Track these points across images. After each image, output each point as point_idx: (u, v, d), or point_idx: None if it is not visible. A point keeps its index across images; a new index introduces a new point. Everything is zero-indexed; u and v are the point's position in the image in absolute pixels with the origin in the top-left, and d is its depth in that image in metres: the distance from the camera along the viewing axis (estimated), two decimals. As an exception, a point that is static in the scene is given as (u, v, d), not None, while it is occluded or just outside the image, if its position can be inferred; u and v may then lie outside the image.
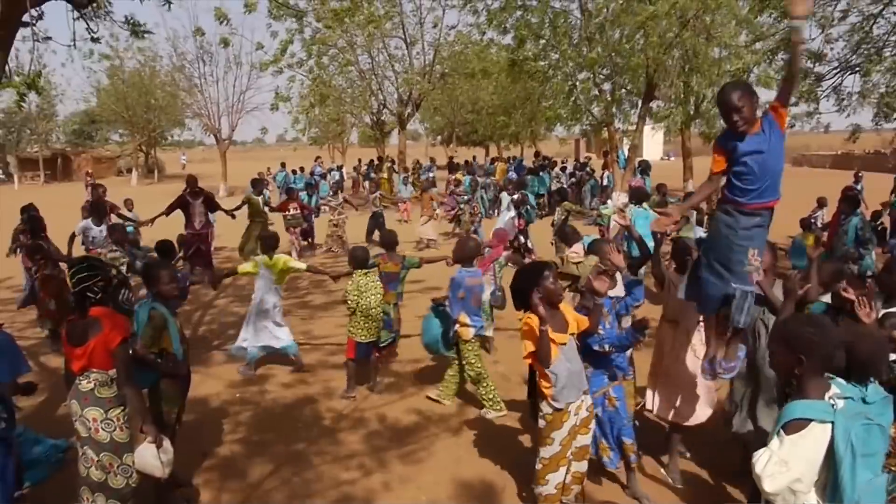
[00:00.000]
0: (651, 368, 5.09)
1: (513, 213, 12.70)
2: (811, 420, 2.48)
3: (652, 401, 4.95)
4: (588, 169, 24.29)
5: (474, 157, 34.71)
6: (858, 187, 16.80)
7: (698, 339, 4.60)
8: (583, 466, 4.21)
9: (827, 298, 4.12)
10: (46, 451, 5.09)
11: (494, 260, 7.87)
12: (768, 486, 2.50)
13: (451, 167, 21.48)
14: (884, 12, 10.68)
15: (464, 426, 5.84)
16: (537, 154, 28.95)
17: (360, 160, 31.89)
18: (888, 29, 10.93)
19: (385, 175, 24.77)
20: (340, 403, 6.36)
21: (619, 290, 4.78)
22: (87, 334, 3.71)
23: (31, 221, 8.28)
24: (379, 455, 5.31)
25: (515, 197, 12.88)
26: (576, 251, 5.84)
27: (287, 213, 13.80)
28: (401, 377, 7.06)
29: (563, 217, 10.73)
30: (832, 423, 2.46)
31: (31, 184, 42.90)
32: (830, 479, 2.47)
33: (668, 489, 4.68)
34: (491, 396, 5.99)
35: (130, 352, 3.93)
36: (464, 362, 6.06)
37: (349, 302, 6.37)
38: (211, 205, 11.28)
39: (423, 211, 15.80)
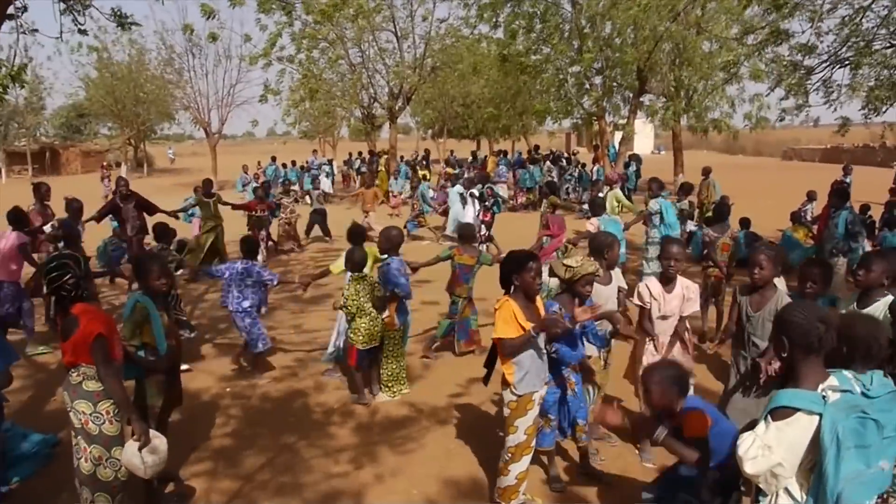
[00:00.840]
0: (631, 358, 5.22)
1: (476, 206, 12.97)
2: (798, 409, 2.50)
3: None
4: (564, 163, 24.43)
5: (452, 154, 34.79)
6: (847, 180, 16.98)
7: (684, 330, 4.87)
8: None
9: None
10: (34, 447, 5.07)
11: (557, 248, 8.41)
12: (749, 468, 2.54)
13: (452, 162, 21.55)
14: (873, 6, 10.71)
15: (454, 419, 5.85)
16: (536, 147, 29.01)
17: (350, 154, 31.77)
18: (877, 22, 10.96)
19: (383, 168, 24.63)
20: (332, 397, 6.35)
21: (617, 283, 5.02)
22: (70, 330, 3.73)
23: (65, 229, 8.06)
24: (370, 448, 5.31)
25: (475, 191, 13.25)
26: (592, 224, 6.93)
27: (254, 212, 12.94)
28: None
29: (549, 210, 10.85)
30: (820, 414, 2.47)
31: (18, 177, 42.52)
32: (817, 468, 2.49)
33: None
34: (390, 385, 6.32)
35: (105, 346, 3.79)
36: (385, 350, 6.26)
37: (348, 307, 6.06)
38: (147, 208, 10.42)
39: (365, 206, 15.51)
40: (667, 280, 4.86)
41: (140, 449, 3.71)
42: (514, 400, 4.04)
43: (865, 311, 4.03)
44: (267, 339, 6.93)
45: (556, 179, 21.64)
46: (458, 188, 13.84)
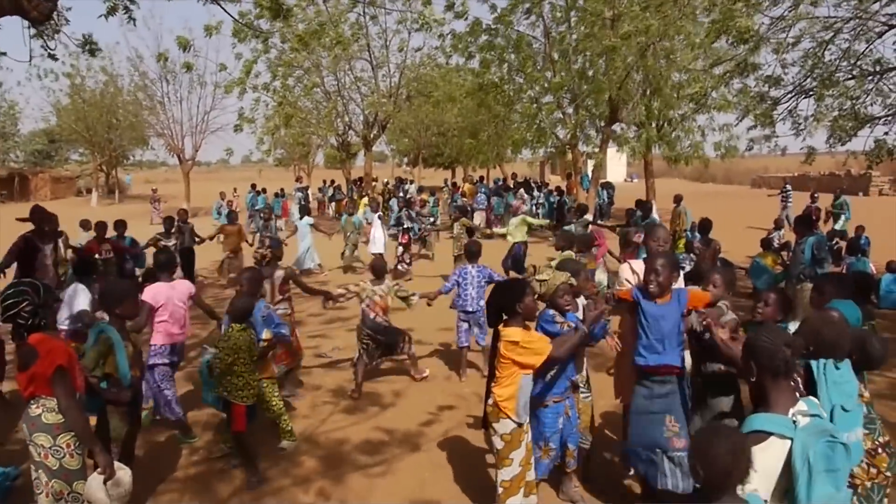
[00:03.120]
0: (616, 372, 5.23)
1: (389, 231, 14.03)
2: (770, 434, 2.51)
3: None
4: (535, 191, 24.90)
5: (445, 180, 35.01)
6: (816, 206, 17.53)
7: None
8: (531, 478, 4.21)
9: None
10: (-6, 480, 4.89)
11: (604, 254, 10.23)
12: None
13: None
14: (834, 39, 11.04)
15: (426, 446, 5.77)
16: (514, 175, 29.30)
17: (324, 181, 31.74)
18: (839, 55, 11.30)
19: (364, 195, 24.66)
20: (299, 425, 6.21)
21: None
22: (28, 361, 3.58)
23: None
24: (340, 476, 5.21)
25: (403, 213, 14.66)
26: None
27: (99, 255, 10.19)
28: (361, 398, 6.94)
29: (461, 232, 12.11)
30: (791, 439, 2.49)
31: (-15, 205, 41.79)
32: (789, 492, 2.49)
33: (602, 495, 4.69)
34: (289, 429, 5.74)
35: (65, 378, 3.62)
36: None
37: (222, 360, 4.99)
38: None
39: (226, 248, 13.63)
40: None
41: (105, 482, 3.60)
42: (509, 433, 3.99)
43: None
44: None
45: (529, 206, 22.01)
46: (371, 213, 15.22)
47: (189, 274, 12.02)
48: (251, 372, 5.08)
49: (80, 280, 6.32)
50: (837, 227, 16.41)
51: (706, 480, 2.32)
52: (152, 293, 5.74)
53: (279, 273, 6.73)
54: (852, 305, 4.17)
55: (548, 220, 19.15)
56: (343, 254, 14.83)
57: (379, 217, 14.04)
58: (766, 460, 2.50)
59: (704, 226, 9.92)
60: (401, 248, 14.10)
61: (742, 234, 17.03)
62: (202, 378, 5.31)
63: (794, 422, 2.56)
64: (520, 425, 3.99)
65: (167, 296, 5.79)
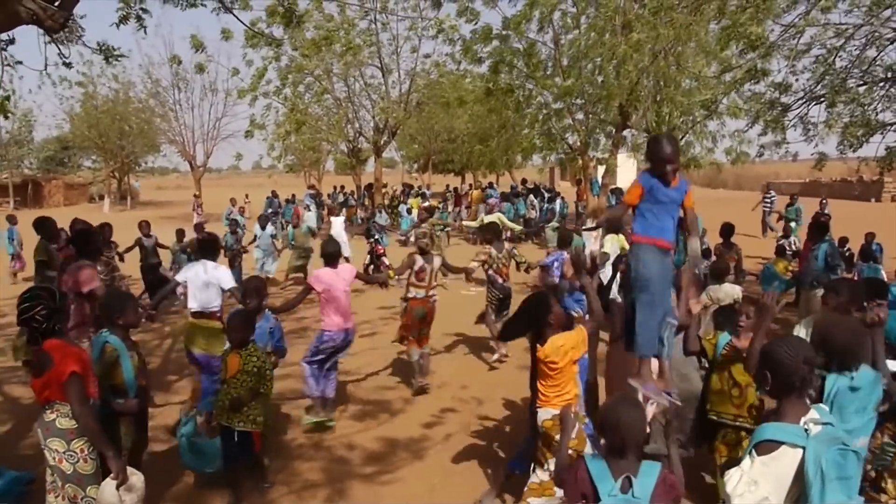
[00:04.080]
0: (607, 385, 5.20)
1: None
2: (782, 443, 2.51)
3: None
4: (545, 196, 24.84)
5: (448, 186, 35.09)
6: (826, 212, 17.38)
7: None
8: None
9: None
10: (8, 484, 4.94)
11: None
12: None
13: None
14: (846, 46, 11.01)
15: (433, 452, 5.77)
16: (524, 181, 29.31)
17: (334, 187, 31.86)
18: (850, 61, 11.27)
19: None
20: (302, 432, 6.24)
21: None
22: (43, 367, 3.62)
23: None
24: (348, 483, 5.22)
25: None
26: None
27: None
28: (367, 405, 6.96)
29: (428, 232, 12.31)
30: (803, 447, 2.48)
31: (0, 210, 42.18)
32: (802, 501, 2.49)
33: None
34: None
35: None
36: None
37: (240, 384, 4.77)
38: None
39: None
40: None
41: (118, 487, 3.62)
42: (549, 419, 4.05)
43: None
44: None
45: (538, 211, 22.08)
46: (340, 219, 16.03)
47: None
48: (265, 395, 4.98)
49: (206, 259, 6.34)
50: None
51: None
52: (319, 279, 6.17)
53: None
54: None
55: (521, 228, 19.31)
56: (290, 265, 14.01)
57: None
58: (778, 468, 2.50)
59: (726, 230, 10.21)
60: (368, 258, 13.97)
61: (752, 241, 16.95)
62: (183, 448, 5.10)
63: (807, 430, 2.55)
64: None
65: (331, 282, 6.14)
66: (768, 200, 21.32)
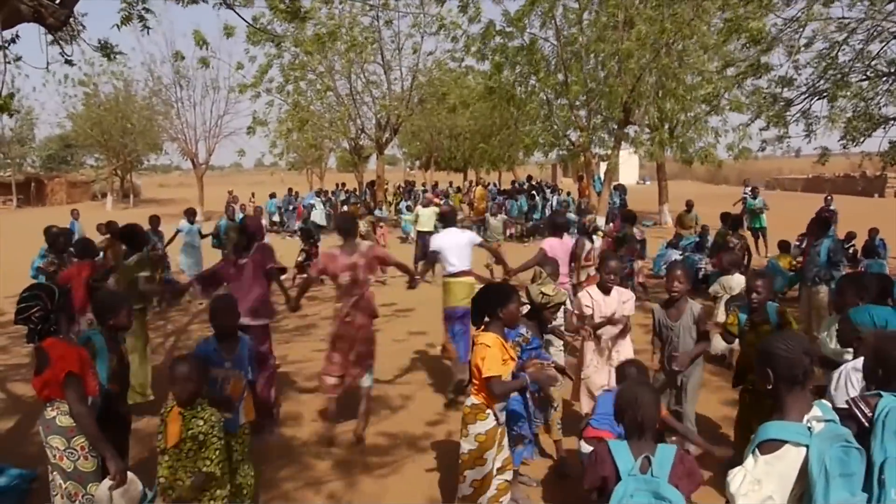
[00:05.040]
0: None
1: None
2: (786, 442, 2.50)
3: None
4: (547, 193, 24.86)
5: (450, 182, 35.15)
6: (832, 208, 17.27)
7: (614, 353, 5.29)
8: (508, 475, 4.23)
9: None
10: (11, 482, 4.95)
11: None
12: (741, 503, 2.51)
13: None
14: (848, 40, 10.97)
15: (435, 446, 5.78)
16: (529, 178, 29.35)
17: (336, 185, 31.90)
18: (853, 56, 11.22)
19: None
20: (308, 429, 6.25)
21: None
22: (41, 365, 3.62)
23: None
24: (352, 479, 5.24)
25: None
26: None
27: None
28: (374, 400, 6.94)
29: (369, 229, 13.19)
30: (807, 446, 2.47)
31: (3, 208, 42.29)
32: (805, 499, 2.48)
33: None
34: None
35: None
36: None
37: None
38: None
39: None
40: (605, 289, 5.33)
41: (111, 489, 3.58)
42: (483, 433, 3.93)
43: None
44: None
45: (539, 208, 22.15)
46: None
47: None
48: None
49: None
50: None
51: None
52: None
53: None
54: (890, 311, 4.13)
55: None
56: None
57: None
58: (781, 467, 2.49)
59: (736, 221, 10.78)
60: (303, 255, 13.33)
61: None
62: None
63: (810, 428, 2.54)
64: (498, 424, 3.98)
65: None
66: (746, 195, 20.95)
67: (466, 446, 3.98)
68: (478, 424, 3.94)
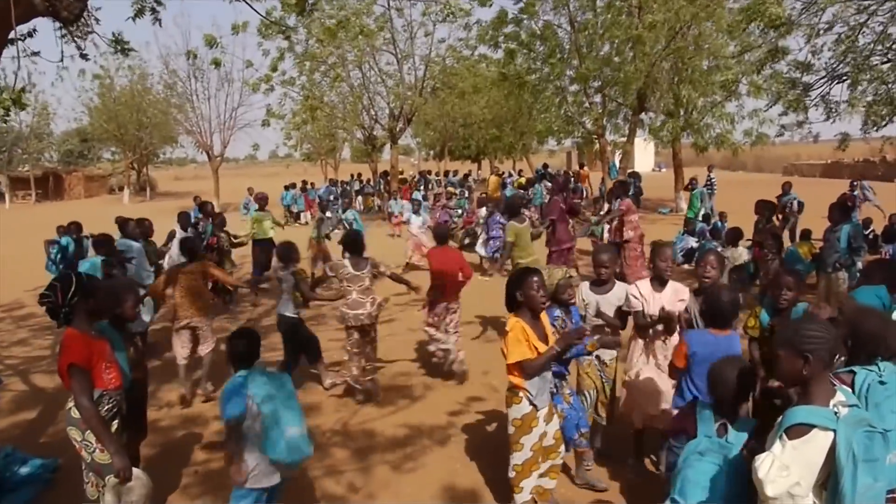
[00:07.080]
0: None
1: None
2: (813, 426, 2.48)
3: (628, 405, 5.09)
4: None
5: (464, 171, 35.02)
6: (856, 194, 17.00)
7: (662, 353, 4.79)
8: (557, 462, 4.28)
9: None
10: (34, 472, 5.02)
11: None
12: (770, 490, 2.50)
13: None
14: (868, 22, 10.79)
15: (455, 438, 5.78)
16: (545, 166, 29.20)
17: (351, 175, 31.91)
18: (874, 38, 11.03)
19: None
20: (330, 419, 6.28)
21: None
22: (60, 355, 3.65)
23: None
24: (371, 470, 5.25)
25: None
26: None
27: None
28: (390, 392, 6.97)
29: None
30: (834, 430, 2.46)
31: (22, 203, 42.77)
32: (831, 484, 2.47)
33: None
34: None
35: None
36: None
37: None
38: None
39: None
40: (660, 282, 4.85)
41: (113, 485, 3.58)
42: (519, 418, 4.02)
43: None
44: None
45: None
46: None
47: None
48: None
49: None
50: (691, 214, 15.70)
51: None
52: None
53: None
54: (883, 290, 4.10)
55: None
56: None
57: None
58: (809, 452, 2.48)
59: (768, 207, 10.22)
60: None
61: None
62: None
63: (836, 413, 2.52)
64: (534, 407, 4.00)
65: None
66: (710, 184, 20.36)
67: (510, 429, 4.13)
68: (514, 409, 4.06)
